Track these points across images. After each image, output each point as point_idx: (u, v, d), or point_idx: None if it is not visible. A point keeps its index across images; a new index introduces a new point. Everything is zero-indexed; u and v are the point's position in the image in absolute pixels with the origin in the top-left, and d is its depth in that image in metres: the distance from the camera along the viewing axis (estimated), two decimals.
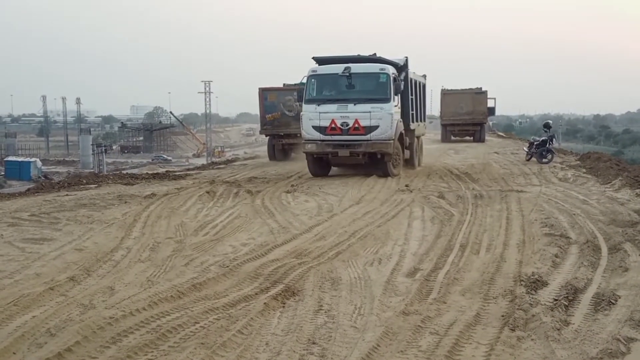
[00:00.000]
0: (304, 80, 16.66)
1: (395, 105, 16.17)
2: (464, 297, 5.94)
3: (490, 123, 52.68)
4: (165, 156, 78.40)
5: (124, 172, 25.09)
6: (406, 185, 14.19)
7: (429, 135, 42.20)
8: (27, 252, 8.02)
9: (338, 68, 16.23)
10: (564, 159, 21.80)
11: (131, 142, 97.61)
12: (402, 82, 16.82)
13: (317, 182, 15.21)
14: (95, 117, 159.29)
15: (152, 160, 72.98)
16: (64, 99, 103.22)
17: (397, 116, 16.41)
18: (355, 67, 16.15)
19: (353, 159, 16.30)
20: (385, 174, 15.99)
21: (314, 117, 16.15)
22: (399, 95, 16.70)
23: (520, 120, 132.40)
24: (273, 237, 8.92)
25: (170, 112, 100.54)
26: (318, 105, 16.15)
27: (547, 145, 20.27)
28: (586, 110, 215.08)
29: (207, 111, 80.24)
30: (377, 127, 15.68)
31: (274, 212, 10.97)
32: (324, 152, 16.33)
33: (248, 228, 9.62)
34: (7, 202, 12.94)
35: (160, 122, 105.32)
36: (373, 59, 16.88)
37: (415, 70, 19.76)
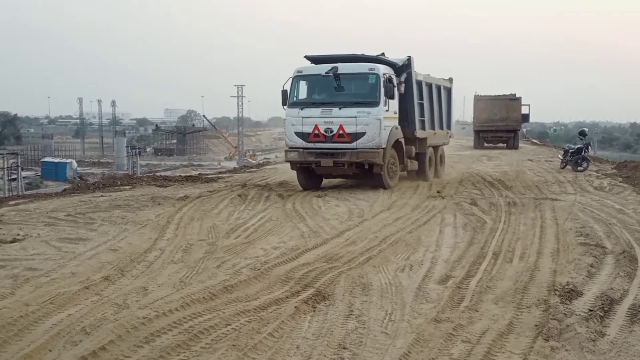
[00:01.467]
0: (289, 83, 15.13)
1: (387, 110, 14.51)
2: (496, 306, 5.88)
3: (524, 130, 51.99)
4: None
5: (158, 174, 25.41)
6: (438, 192, 14.12)
7: (462, 142, 41.95)
8: (63, 251, 8.19)
9: (325, 68, 14.70)
10: (600, 168, 21.42)
11: (165, 144, 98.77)
12: (403, 85, 15.46)
13: (348, 187, 15.19)
14: (130, 119, 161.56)
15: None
16: (99, 101, 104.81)
17: (391, 122, 14.82)
18: (343, 67, 14.59)
19: (338, 169, 14.80)
20: (379, 185, 14.66)
21: (296, 122, 14.74)
22: (397, 99, 15.14)
23: (554, 127, 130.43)
24: (304, 241, 8.95)
25: (204, 116, 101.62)
26: (301, 109, 14.71)
27: (583, 153, 19.95)
28: (623, 118, 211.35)
29: (240, 115, 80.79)
30: (363, 134, 14.13)
31: (304, 216, 11.00)
32: (307, 162, 14.76)
33: (279, 232, 9.66)
34: (44, 202, 13.22)
35: (193, 125, 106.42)
36: (366, 58, 15.27)
37: (440, 74, 18.92)
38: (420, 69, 17.04)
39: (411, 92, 15.92)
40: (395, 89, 14.95)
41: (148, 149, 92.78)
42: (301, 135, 14.63)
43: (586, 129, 22.97)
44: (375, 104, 14.26)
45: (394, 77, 15.04)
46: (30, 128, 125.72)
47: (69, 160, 56.20)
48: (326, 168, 14.77)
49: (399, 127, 15.30)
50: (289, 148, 15.00)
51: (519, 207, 11.85)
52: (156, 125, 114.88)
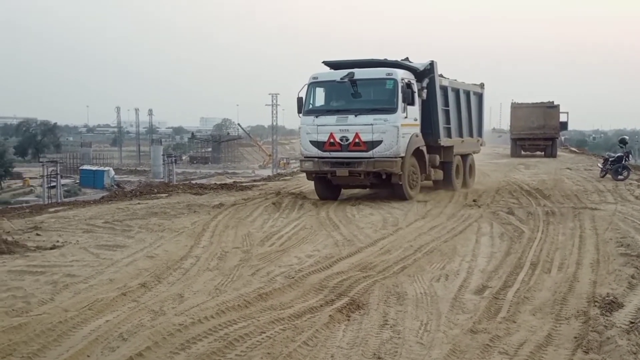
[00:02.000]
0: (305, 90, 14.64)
1: (406, 117, 13.90)
2: (534, 317, 5.77)
3: (562, 138, 51.14)
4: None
5: (193, 182, 25.69)
6: (474, 200, 13.96)
7: (498, 150, 41.45)
8: (101, 258, 8.32)
9: (342, 74, 14.18)
10: None
11: (200, 152, 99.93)
12: (425, 90, 14.86)
13: (383, 195, 15.12)
14: (166, 128, 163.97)
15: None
16: (137, 110, 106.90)
17: (410, 130, 14.20)
18: (359, 73, 14.05)
19: (354, 179, 14.26)
20: (399, 196, 14.13)
21: (311, 130, 14.21)
22: (417, 105, 14.63)
23: (594, 135, 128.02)
24: (338, 249, 8.93)
25: (238, 124, 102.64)
26: (316, 117, 14.19)
27: (623, 161, 19.48)
28: None
29: (274, 123, 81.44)
30: (380, 142, 13.55)
31: (338, 224, 10.99)
32: (322, 171, 14.22)
33: (313, 240, 9.66)
34: (83, 210, 13.47)
35: (228, 133, 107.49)
36: (384, 63, 14.74)
37: (472, 80, 18.30)
38: (451, 74, 16.73)
39: (434, 98, 15.27)
40: (416, 94, 14.48)
41: (184, 157, 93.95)
42: (316, 144, 14.14)
43: (627, 137, 22.45)
44: (392, 110, 13.66)
45: (414, 82, 14.49)
46: (69, 136, 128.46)
47: (106, 168, 57.25)
48: (342, 178, 14.27)
49: (419, 134, 14.69)
50: (304, 157, 14.55)
51: (558, 216, 11.64)
52: (192, 133, 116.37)
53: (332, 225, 10.95)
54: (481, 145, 19.37)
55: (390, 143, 13.54)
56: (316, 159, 14.11)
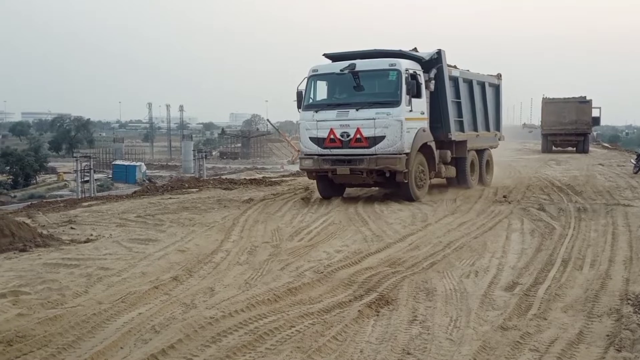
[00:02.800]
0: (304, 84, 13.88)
1: (411, 110, 13.02)
2: (566, 314, 5.71)
3: (595, 133, 50.34)
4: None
5: (223, 177, 25.89)
6: (504, 196, 13.82)
7: (529, 145, 40.93)
8: (134, 251, 8.46)
9: (341, 65, 13.39)
10: None
11: (230, 148, 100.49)
12: (433, 82, 13.95)
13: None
14: (197, 123, 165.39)
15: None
16: (168, 106, 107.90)
17: (416, 124, 13.30)
18: (361, 64, 13.22)
19: (356, 177, 13.44)
20: (405, 196, 13.30)
21: (311, 126, 13.45)
22: (424, 97, 13.75)
23: (627, 130, 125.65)
24: (367, 245, 8.94)
25: (267, 120, 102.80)
26: (316, 112, 13.43)
27: None
28: None
29: None
30: (382, 137, 12.73)
31: (367, 220, 10.99)
32: (322, 170, 13.45)
33: (342, 235, 9.68)
34: (115, 204, 13.71)
35: (257, 129, 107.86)
36: (387, 53, 13.70)
37: (489, 71, 17.39)
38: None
39: (443, 89, 14.36)
40: (422, 86, 13.57)
41: (214, 153, 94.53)
42: (316, 140, 13.38)
43: None
44: (395, 103, 12.81)
45: (420, 73, 13.57)
46: (102, 132, 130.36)
47: (138, 163, 57.87)
48: (343, 177, 13.47)
49: (427, 129, 13.82)
50: (304, 155, 13.80)
51: (590, 213, 11.48)
52: (222, 129, 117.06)
53: (360, 220, 10.95)
54: (499, 139, 18.37)
55: (393, 138, 12.72)
56: (316, 157, 13.39)
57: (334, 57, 14.18)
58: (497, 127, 17.92)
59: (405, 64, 13.14)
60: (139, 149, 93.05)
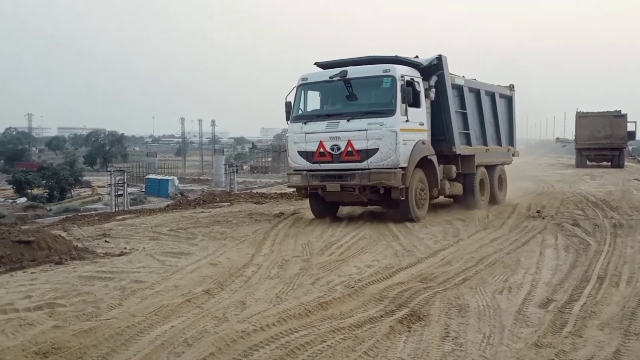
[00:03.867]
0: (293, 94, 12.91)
1: (407, 120, 11.88)
2: (602, 332, 5.60)
3: (630, 148, 49.45)
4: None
5: (254, 191, 26.05)
6: (537, 212, 13.63)
7: (563, 160, 40.36)
8: (167, 265, 8.56)
9: (331, 73, 12.45)
10: None
11: (260, 162, 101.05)
12: (433, 90, 12.86)
13: (442, 206, 14.94)
14: (228, 138, 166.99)
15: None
16: (200, 121, 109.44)
17: (414, 135, 12.21)
18: (353, 71, 12.23)
19: (348, 195, 12.31)
20: (404, 216, 12.21)
21: (299, 139, 12.42)
22: (424, 107, 12.67)
23: None
24: (397, 260, 8.89)
25: None
26: (305, 123, 12.38)
27: None
28: None
29: None
30: (375, 150, 11.69)
31: (398, 234, 10.93)
32: (311, 186, 12.43)
33: (372, 250, 9.65)
34: (149, 218, 13.90)
35: None
36: (382, 59, 12.61)
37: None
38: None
39: (445, 98, 13.26)
40: (421, 94, 12.52)
41: (245, 167, 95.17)
42: (305, 154, 12.37)
43: None
44: (389, 112, 11.75)
45: (418, 80, 12.53)
46: (135, 146, 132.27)
47: (171, 177, 58.54)
48: (334, 194, 12.37)
49: (427, 141, 12.72)
50: (293, 171, 12.77)
51: (626, 228, 11.25)
52: (252, 143, 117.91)
53: (391, 235, 10.91)
54: (513, 155, 17.11)
55: (387, 151, 11.66)
56: (305, 172, 12.38)
57: (326, 66, 13.26)
58: (511, 141, 16.85)
59: (400, 70, 12.08)
60: (172, 163, 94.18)
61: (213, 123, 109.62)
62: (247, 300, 6.65)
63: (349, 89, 12.10)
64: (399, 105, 11.76)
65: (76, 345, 5.20)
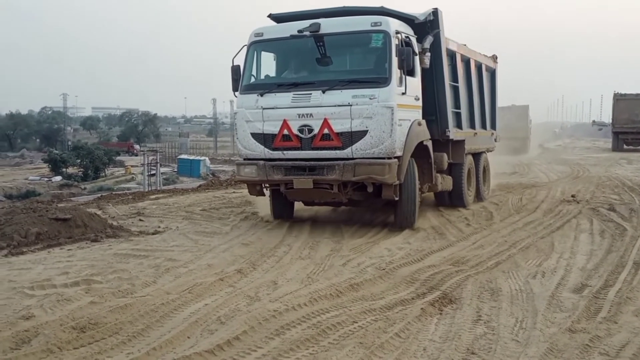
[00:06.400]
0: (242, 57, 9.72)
1: (404, 93, 8.99)
2: (637, 318, 5.50)
3: None
4: None
5: None
6: (572, 196, 13.41)
7: (598, 144, 39.61)
8: (200, 244, 8.67)
9: (297, 26, 9.26)
10: None
11: None
12: (428, 54, 9.73)
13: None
14: None
15: None
16: (231, 102, 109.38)
17: (410, 114, 9.35)
18: (329, 24, 9.13)
19: (322, 193, 9.28)
20: (401, 223, 9.55)
21: (253, 117, 9.28)
22: (419, 76, 9.71)
23: None
24: (429, 242, 8.85)
25: None
26: (260, 95, 9.25)
27: None
28: None
29: None
30: (364, 133, 8.73)
31: (429, 217, 10.87)
32: (270, 182, 9.47)
33: (403, 232, 9.60)
34: (181, 197, 14.07)
35: None
36: (365, 10, 9.60)
37: (476, 48, 12.91)
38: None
39: (440, 67, 10.35)
40: (417, 59, 9.57)
41: None
42: (261, 138, 9.26)
43: None
44: (383, 81, 8.80)
45: (413, 39, 9.63)
46: (168, 127, 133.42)
47: (202, 158, 58.93)
48: (303, 192, 9.44)
49: (422, 122, 9.83)
50: (244, 160, 9.64)
51: None
52: None
53: (422, 217, 10.84)
54: (495, 140, 14.25)
55: (380, 134, 8.70)
56: (262, 163, 9.29)
57: (284, 19, 10.14)
58: (493, 124, 13.90)
59: (393, 25, 9.08)
60: (204, 144, 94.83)
61: None
62: (279, 280, 6.70)
63: (321, 49, 9.11)
64: (394, 72, 8.85)
65: (112, 321, 5.31)
